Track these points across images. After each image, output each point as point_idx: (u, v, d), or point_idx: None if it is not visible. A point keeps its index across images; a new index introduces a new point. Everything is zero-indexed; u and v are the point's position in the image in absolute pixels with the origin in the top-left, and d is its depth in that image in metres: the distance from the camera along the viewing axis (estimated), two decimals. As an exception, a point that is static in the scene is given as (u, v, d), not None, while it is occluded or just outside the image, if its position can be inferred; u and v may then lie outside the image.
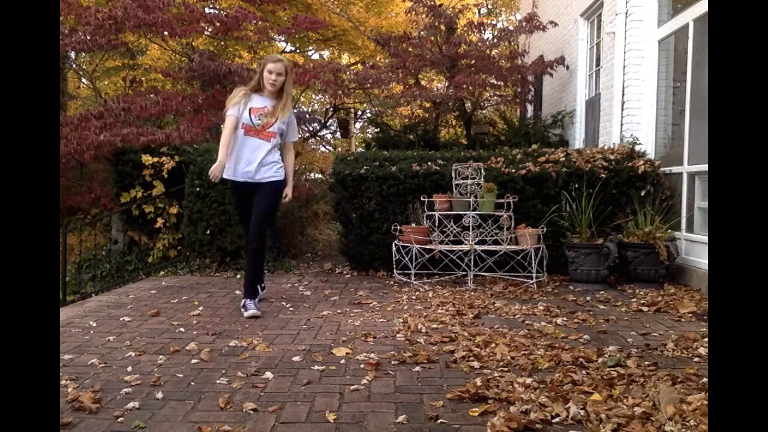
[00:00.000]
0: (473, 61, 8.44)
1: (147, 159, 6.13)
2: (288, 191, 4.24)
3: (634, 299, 4.41)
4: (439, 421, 2.18)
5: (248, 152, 4.00)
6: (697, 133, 5.10)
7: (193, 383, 2.61)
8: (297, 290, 4.95)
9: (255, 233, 4.02)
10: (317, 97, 15.39)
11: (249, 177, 4.01)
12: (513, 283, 5.07)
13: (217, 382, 2.62)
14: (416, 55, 8.84)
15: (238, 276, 5.67)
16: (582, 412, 2.19)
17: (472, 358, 2.91)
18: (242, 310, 4.00)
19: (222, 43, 11.10)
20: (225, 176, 3.98)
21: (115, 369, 2.80)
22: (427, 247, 5.19)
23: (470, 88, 8.22)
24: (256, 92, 4.05)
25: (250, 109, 4.01)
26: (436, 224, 5.33)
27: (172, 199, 6.26)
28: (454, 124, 11.32)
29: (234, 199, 4.32)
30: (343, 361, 2.92)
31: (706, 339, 3.16)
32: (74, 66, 11.89)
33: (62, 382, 2.54)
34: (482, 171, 5.42)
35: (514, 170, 5.49)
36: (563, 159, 5.57)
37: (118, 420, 2.20)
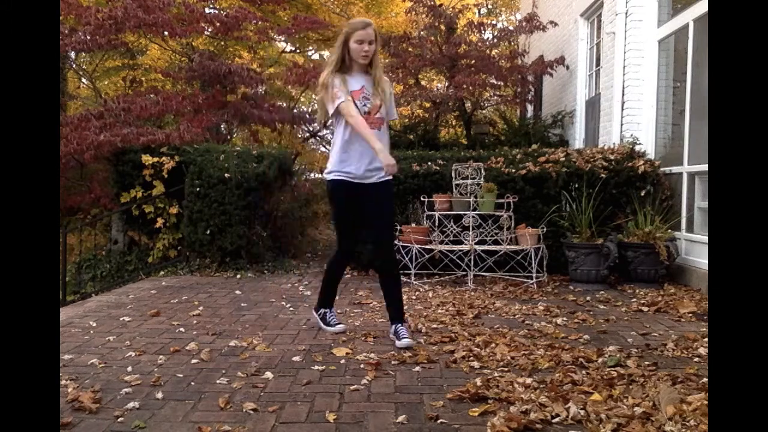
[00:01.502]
0: (473, 61, 8.43)
1: (147, 159, 6.13)
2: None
3: (634, 299, 4.41)
4: (439, 421, 2.18)
5: (360, 148, 3.19)
6: (697, 133, 5.10)
7: (193, 383, 2.61)
8: (297, 290, 4.95)
9: (390, 249, 3.35)
10: (317, 97, 15.37)
11: (362, 178, 3.23)
12: (513, 283, 5.07)
13: (217, 382, 2.62)
14: (416, 55, 8.83)
15: (238, 276, 5.67)
16: (582, 412, 2.18)
17: (472, 358, 2.91)
18: (393, 337, 3.25)
19: (222, 43, 11.10)
20: (332, 177, 3.22)
21: (115, 369, 2.80)
22: (427, 247, 5.19)
23: (470, 88, 8.22)
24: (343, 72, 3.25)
25: (351, 94, 3.20)
26: (436, 224, 5.33)
27: (172, 199, 6.26)
28: (454, 124, 11.31)
29: (339, 206, 3.29)
30: (343, 361, 2.92)
31: (706, 339, 3.16)
32: (74, 66, 11.89)
33: (62, 382, 2.54)
34: (482, 171, 5.42)
35: (514, 170, 5.49)
36: (563, 159, 5.57)
37: (118, 420, 2.20)
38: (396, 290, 3.31)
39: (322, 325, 3.54)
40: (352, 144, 3.20)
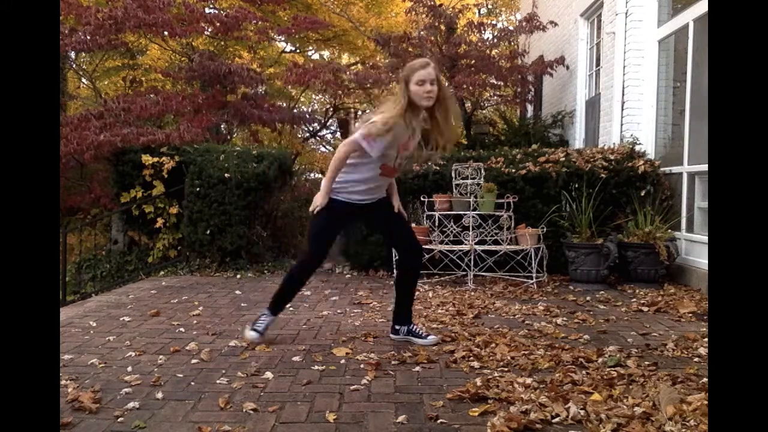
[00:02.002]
0: (473, 61, 8.44)
1: (147, 159, 6.13)
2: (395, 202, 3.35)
3: (634, 299, 4.41)
4: (439, 421, 2.18)
5: (372, 185, 3.13)
6: (697, 133, 5.10)
7: (193, 383, 2.61)
8: (297, 290, 4.95)
9: (420, 255, 3.33)
10: (317, 97, 15.40)
11: (365, 202, 3.18)
12: (513, 283, 5.07)
13: (217, 382, 2.62)
14: (416, 55, 8.82)
15: (238, 276, 5.67)
16: (582, 412, 2.18)
17: (472, 358, 2.91)
18: (407, 336, 3.26)
19: (222, 43, 11.11)
20: (333, 196, 3.11)
21: (115, 369, 2.80)
22: (427, 247, 5.19)
23: (470, 88, 8.22)
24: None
25: (399, 147, 3.03)
26: (436, 224, 5.33)
27: (172, 199, 6.26)
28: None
29: (330, 220, 3.16)
30: (343, 361, 2.92)
31: (706, 339, 3.16)
32: (74, 66, 11.89)
33: (62, 382, 2.54)
34: (482, 171, 5.42)
35: (514, 170, 5.48)
36: (563, 159, 5.57)
37: (118, 420, 2.20)
38: (413, 291, 3.36)
39: (254, 328, 3.24)
40: (361, 180, 3.10)
